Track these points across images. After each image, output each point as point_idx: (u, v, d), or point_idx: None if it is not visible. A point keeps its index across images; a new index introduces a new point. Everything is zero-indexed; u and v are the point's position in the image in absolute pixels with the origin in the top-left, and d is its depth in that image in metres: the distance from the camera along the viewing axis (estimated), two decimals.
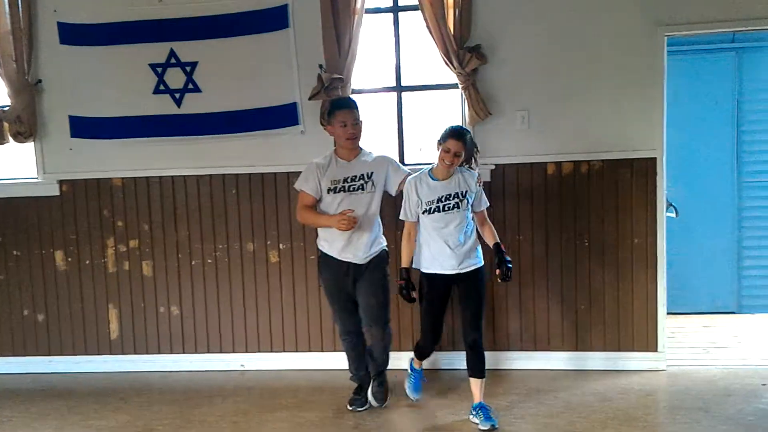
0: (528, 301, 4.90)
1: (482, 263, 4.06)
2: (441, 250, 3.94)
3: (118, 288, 5.22)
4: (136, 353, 5.25)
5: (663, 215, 4.76)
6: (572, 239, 4.82)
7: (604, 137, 4.71)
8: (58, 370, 5.23)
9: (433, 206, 3.94)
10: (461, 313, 4.07)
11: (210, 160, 5.02)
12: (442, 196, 3.92)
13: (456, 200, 3.92)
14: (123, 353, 5.25)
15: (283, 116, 4.90)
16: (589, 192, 4.77)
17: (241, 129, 4.95)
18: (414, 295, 4.02)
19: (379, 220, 4.24)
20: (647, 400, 4.34)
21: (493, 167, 4.81)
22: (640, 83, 4.64)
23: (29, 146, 5.17)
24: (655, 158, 4.69)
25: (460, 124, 4.23)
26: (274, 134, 4.92)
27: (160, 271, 5.16)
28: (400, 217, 4.07)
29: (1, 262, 5.29)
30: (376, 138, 4.77)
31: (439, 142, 3.93)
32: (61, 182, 5.19)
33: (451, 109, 4.93)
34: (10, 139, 5.08)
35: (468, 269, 3.98)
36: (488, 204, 4.11)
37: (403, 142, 4.96)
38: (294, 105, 4.86)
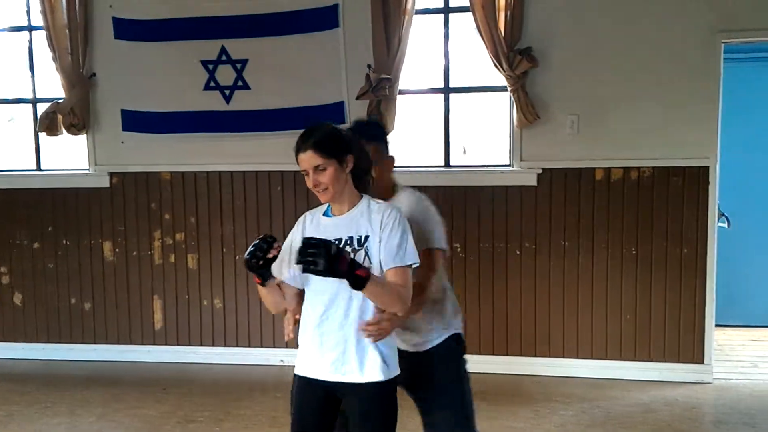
0: (572, 308, 4.83)
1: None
2: (314, 337, 2.44)
3: (164, 280, 5.30)
4: (179, 344, 5.32)
5: (714, 225, 4.66)
6: (619, 247, 4.74)
7: (656, 144, 4.63)
8: (103, 358, 5.32)
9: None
10: None
11: (257, 157, 5.06)
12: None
13: (348, 248, 2.38)
14: (166, 344, 5.33)
15: (330, 115, 4.89)
16: (639, 199, 4.69)
17: (288, 127, 4.91)
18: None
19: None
20: (692, 413, 4.25)
21: (540, 172, 4.76)
22: (695, 90, 4.55)
23: (82, 138, 5.28)
24: (708, 167, 4.59)
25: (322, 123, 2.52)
26: None
27: (204, 265, 5.22)
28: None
29: (51, 251, 5.40)
30: (421, 140, 4.76)
31: None
32: (111, 174, 5.28)
33: (499, 111, 4.89)
34: (64, 131, 5.19)
35: (354, 380, 2.39)
36: (415, 260, 2.38)
37: (449, 144, 4.93)
38: (341, 104, 4.88)
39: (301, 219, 2.54)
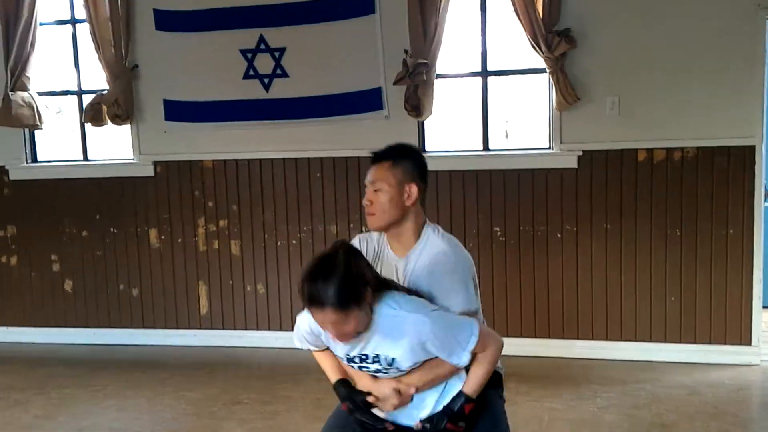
0: (615, 291, 4.79)
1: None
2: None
3: (208, 266, 5.40)
4: (224, 328, 5.42)
5: (761, 205, 4.57)
6: (663, 229, 4.68)
7: (699, 123, 4.55)
8: (151, 343, 5.46)
9: None
10: None
11: (296, 144, 5.12)
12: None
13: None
14: (212, 328, 5.44)
15: (368, 101, 4.94)
16: (682, 180, 4.62)
17: (327, 113, 5.02)
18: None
19: None
20: (739, 395, 4.20)
21: (581, 154, 4.72)
22: (739, 68, 4.45)
23: (126, 128, 5.39)
24: (753, 146, 4.50)
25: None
26: (358, 119, 4.96)
27: (247, 251, 5.31)
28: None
29: (99, 238, 5.54)
30: (459, 125, 4.75)
31: None
32: (155, 163, 5.39)
33: (538, 94, 4.86)
34: (109, 121, 5.31)
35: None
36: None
37: (487, 128, 4.91)
38: (378, 90, 4.89)
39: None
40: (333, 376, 2.37)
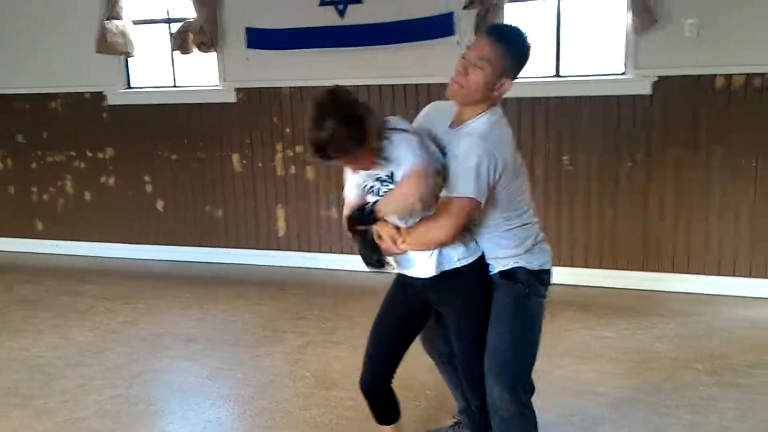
0: (685, 222, 4.67)
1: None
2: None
3: (286, 190, 5.63)
4: (300, 250, 5.67)
5: None
6: (739, 159, 4.49)
7: None
8: (232, 261, 5.79)
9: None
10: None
11: (369, 71, 5.17)
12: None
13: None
14: (289, 249, 5.70)
15: (440, 26, 4.92)
16: (762, 108, 4.39)
17: (399, 39, 5.04)
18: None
19: None
20: None
21: (656, 79, 4.55)
22: None
23: (211, 56, 5.61)
24: None
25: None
26: (430, 45, 4.95)
27: (321, 176, 5.48)
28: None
29: (187, 162, 5.87)
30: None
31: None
32: (237, 90, 5.60)
33: (613, 17, 4.69)
34: (195, 49, 5.54)
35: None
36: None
37: (559, 53, 4.80)
38: (450, 15, 4.86)
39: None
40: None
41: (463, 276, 2.50)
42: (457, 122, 2.47)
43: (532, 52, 2.43)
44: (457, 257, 2.49)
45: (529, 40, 2.40)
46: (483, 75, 2.33)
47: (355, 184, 2.51)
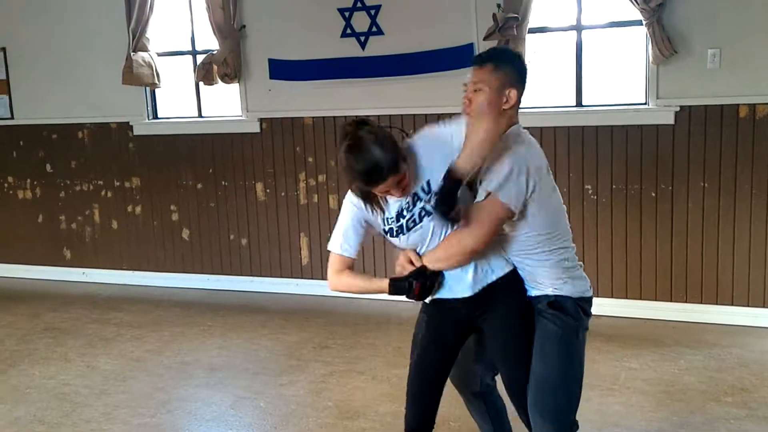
0: (711, 252, 4.63)
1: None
2: None
3: (308, 218, 5.67)
4: (323, 279, 5.64)
5: None
6: (764, 189, 4.45)
7: None
8: (257, 290, 5.82)
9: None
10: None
11: (390, 101, 5.22)
12: None
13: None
14: (312, 278, 5.72)
15: (461, 57, 4.94)
16: None
17: (421, 70, 5.09)
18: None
19: None
20: None
21: (678, 109, 4.55)
22: None
23: (234, 87, 5.70)
24: None
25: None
26: (450, 76, 4.97)
27: None
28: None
29: (212, 191, 5.93)
30: (552, 80, 4.69)
31: None
32: (261, 120, 5.68)
33: (634, 48, 4.70)
34: (219, 80, 5.63)
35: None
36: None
37: (581, 84, 4.82)
38: (471, 46, 4.90)
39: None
40: (377, 281, 2.55)
41: (505, 289, 2.48)
42: None
43: (518, 57, 2.54)
44: (493, 271, 2.47)
45: (512, 50, 2.48)
46: (484, 95, 2.41)
47: (354, 233, 2.54)
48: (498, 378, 2.74)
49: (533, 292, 2.51)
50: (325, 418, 3.66)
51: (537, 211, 2.41)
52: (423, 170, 2.40)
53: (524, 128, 2.52)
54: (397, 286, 2.44)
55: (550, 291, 2.47)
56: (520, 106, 2.51)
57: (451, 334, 2.58)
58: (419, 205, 2.42)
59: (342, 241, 2.57)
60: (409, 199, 2.42)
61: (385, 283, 2.48)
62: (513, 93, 2.43)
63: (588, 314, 2.52)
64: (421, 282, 2.40)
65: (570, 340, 2.46)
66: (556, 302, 2.46)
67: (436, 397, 2.60)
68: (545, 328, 2.47)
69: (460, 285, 2.48)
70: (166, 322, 5.21)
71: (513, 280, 2.51)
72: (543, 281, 2.48)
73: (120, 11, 5.71)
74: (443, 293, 2.51)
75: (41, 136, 6.34)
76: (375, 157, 2.25)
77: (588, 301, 2.53)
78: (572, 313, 2.46)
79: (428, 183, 2.40)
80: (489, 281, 2.48)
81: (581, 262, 2.58)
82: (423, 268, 2.41)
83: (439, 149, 2.38)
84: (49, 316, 5.45)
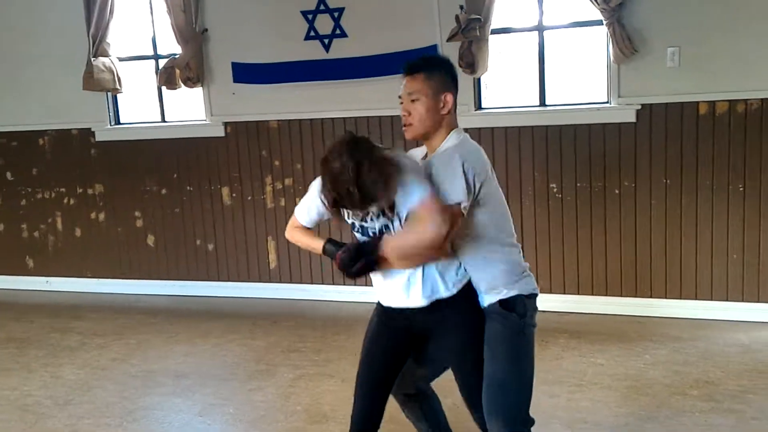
0: (674, 248, 4.69)
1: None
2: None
3: (276, 222, 5.62)
4: (292, 282, 5.66)
5: None
6: (725, 184, 4.53)
7: (764, 74, 4.35)
8: (223, 294, 5.77)
9: None
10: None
11: (355, 104, 5.21)
12: None
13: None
14: (280, 281, 5.68)
15: None
16: (746, 134, 4.45)
17: (385, 72, 5.06)
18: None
19: None
20: None
21: (639, 107, 4.61)
22: None
23: (198, 91, 5.64)
24: None
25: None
26: None
27: None
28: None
29: (177, 196, 5.87)
30: (515, 80, 4.72)
31: None
32: (225, 124, 5.63)
33: (595, 47, 4.76)
34: (181, 84, 5.57)
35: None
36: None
37: (544, 83, 4.85)
38: (434, 47, 4.91)
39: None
40: (318, 240, 2.57)
41: (460, 304, 2.49)
42: (430, 154, 2.54)
43: (447, 62, 2.56)
44: (446, 286, 2.47)
45: (440, 55, 2.57)
46: (422, 104, 2.45)
47: (316, 213, 2.54)
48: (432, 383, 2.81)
49: (488, 300, 2.51)
50: (295, 422, 3.64)
51: (487, 210, 2.45)
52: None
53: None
54: (327, 248, 2.51)
55: (504, 293, 2.49)
56: (458, 109, 2.56)
57: (400, 337, 2.59)
58: (382, 220, 2.41)
59: (305, 214, 2.61)
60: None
61: (323, 242, 2.54)
62: (449, 97, 2.48)
63: (535, 309, 2.55)
64: (349, 257, 2.37)
65: (517, 338, 2.48)
66: (508, 301, 2.48)
67: (380, 396, 2.59)
68: (493, 329, 2.49)
69: (412, 294, 2.47)
70: (131, 330, 5.13)
71: (467, 295, 2.51)
72: (497, 284, 2.49)
73: (79, 16, 5.62)
74: (395, 302, 2.52)
75: (0, 143, 6.22)
76: (374, 176, 2.24)
77: (535, 298, 2.56)
78: (520, 311, 2.48)
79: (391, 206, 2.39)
80: (442, 296, 2.48)
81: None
82: (367, 247, 2.39)
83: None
84: (11, 326, 5.34)
